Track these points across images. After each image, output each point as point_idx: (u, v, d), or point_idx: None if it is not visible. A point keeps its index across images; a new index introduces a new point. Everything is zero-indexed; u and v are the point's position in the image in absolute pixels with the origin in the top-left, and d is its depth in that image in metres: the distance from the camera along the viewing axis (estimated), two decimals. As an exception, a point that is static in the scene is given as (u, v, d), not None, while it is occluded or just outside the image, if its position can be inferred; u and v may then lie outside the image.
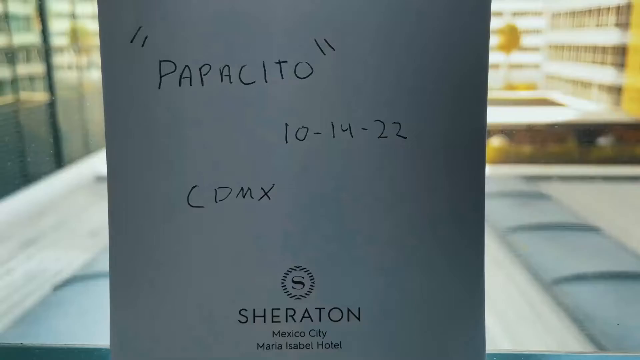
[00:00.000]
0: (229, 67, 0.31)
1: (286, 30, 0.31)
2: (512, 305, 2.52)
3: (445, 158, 0.32)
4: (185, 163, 0.32)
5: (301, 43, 0.31)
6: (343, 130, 0.32)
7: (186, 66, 0.31)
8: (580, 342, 2.14)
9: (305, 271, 0.33)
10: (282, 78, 0.31)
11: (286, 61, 0.31)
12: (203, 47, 0.31)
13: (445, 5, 0.31)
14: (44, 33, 3.68)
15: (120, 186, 0.32)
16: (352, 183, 0.32)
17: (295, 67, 0.31)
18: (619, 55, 7.39)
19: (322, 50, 0.31)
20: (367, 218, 0.33)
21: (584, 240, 3.09)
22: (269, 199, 0.32)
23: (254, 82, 0.31)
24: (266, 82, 0.31)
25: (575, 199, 3.70)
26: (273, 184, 0.32)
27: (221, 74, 0.31)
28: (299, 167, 0.32)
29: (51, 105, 3.63)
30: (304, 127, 0.32)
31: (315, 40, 0.31)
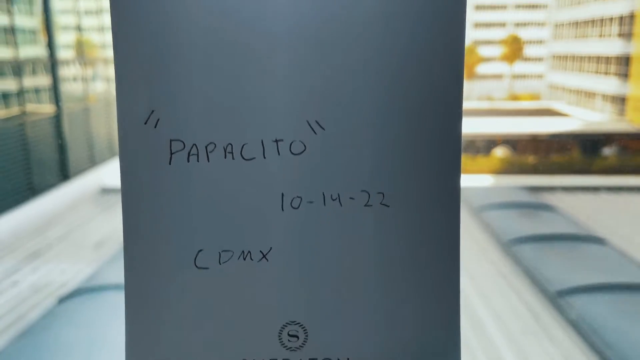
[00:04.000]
0: (232, 145, 0.35)
1: (282, 113, 0.34)
2: (516, 317, 2.54)
3: (425, 222, 0.36)
4: (193, 230, 0.35)
5: (295, 124, 0.34)
6: (333, 200, 0.35)
7: (194, 144, 0.34)
8: (584, 353, 2.15)
9: (299, 325, 0.37)
10: (279, 154, 0.35)
11: (282, 140, 0.35)
12: (209, 128, 0.34)
13: (420, 89, 0.35)
14: (50, 46, 3.73)
15: (135, 248, 0.36)
16: (342, 246, 0.36)
17: (290, 144, 0.35)
18: (623, 65, 7.41)
19: (313, 130, 0.35)
20: (355, 278, 0.36)
21: (588, 252, 3.10)
22: (267, 260, 0.36)
23: (254, 158, 0.35)
24: (264, 158, 0.35)
25: (579, 209, 3.70)
26: (271, 248, 0.36)
27: (225, 151, 0.35)
28: (294, 232, 0.36)
29: (57, 117, 3.68)
30: (298, 197, 0.35)
31: (307, 122, 0.34)
